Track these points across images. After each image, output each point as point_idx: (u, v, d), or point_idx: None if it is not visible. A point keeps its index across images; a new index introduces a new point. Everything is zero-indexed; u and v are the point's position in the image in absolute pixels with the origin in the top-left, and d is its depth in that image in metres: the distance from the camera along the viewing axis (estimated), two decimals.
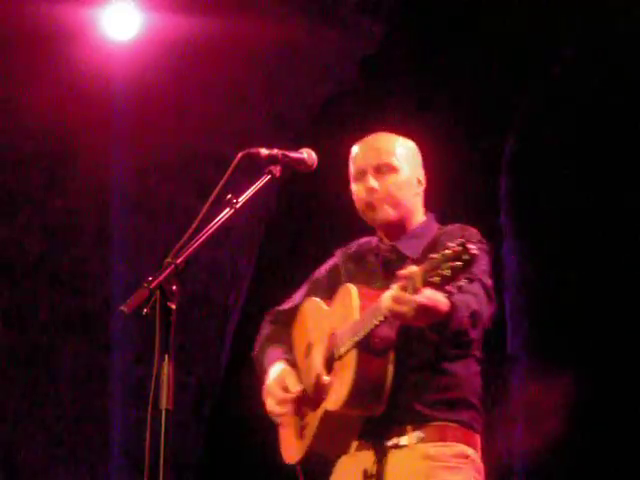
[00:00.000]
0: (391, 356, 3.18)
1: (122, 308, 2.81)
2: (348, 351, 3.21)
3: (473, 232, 3.40)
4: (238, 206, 3.12)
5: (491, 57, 7.31)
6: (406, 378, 3.21)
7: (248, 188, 3.18)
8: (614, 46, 7.02)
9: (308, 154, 3.34)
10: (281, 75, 6.85)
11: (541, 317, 7.57)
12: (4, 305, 6.67)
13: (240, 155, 3.18)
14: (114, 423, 6.97)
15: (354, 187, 3.54)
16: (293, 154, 3.31)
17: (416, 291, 2.95)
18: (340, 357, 3.26)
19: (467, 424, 3.30)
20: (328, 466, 3.45)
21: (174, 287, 2.88)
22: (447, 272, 2.86)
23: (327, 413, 3.28)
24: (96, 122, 6.56)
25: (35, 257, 6.77)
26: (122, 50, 6.41)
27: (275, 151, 3.25)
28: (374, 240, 3.59)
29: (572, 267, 7.22)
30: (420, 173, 3.55)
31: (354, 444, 3.33)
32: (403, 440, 3.25)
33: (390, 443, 3.27)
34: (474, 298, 3.19)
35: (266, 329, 3.74)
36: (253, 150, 3.22)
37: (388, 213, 3.46)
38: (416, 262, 3.23)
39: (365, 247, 3.61)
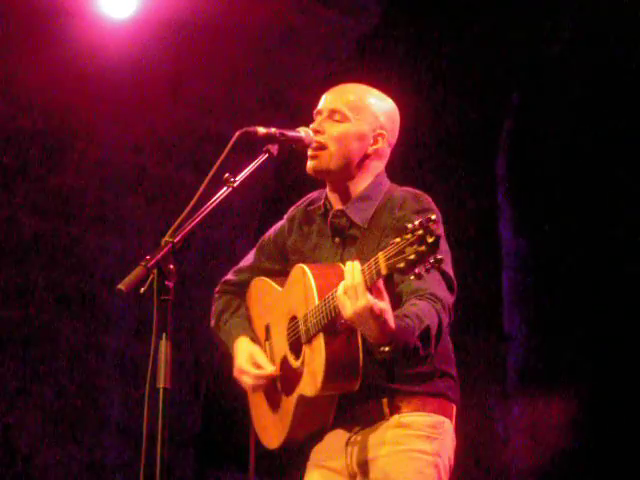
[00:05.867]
0: (358, 331, 3.09)
1: (119, 287, 2.81)
2: (315, 335, 3.14)
3: (426, 202, 3.29)
4: (236, 185, 3.12)
5: (490, 36, 7.29)
6: (376, 356, 3.11)
7: (246, 167, 3.18)
8: (612, 26, 7.01)
9: (305, 132, 3.34)
10: (278, 54, 6.82)
11: (539, 296, 7.58)
12: (1, 283, 6.66)
13: (238, 134, 3.18)
14: (112, 402, 6.97)
15: None
16: (290, 133, 3.31)
17: (373, 278, 2.90)
18: (308, 341, 3.19)
19: (442, 394, 3.28)
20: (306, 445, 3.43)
21: (171, 266, 2.88)
22: (412, 257, 2.79)
23: (303, 398, 3.24)
24: (93, 100, 6.54)
25: (32, 235, 6.75)
26: (120, 28, 6.38)
27: (272, 130, 3.25)
28: (322, 199, 3.48)
29: (570, 246, 7.22)
30: (382, 131, 3.40)
31: (331, 420, 3.29)
32: (379, 412, 3.23)
33: (368, 416, 3.25)
34: (429, 306, 3.09)
35: (218, 302, 3.68)
36: (251, 129, 3.22)
37: (325, 160, 3.36)
38: (367, 231, 3.27)
39: (313, 207, 3.51)
